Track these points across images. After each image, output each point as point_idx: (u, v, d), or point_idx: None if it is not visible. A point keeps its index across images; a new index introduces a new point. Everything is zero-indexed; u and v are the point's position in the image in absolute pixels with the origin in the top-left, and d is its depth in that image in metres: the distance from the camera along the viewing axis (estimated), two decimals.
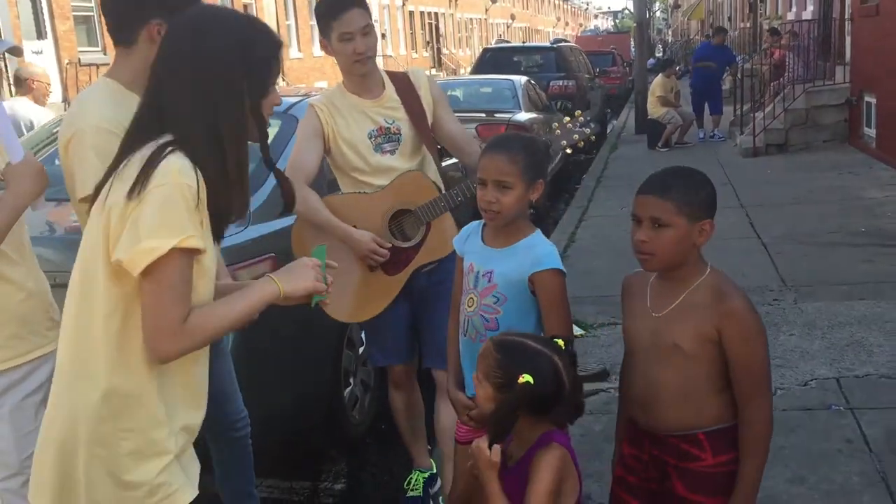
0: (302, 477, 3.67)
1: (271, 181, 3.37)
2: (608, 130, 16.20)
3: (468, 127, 3.15)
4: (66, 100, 15.39)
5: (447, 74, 32.21)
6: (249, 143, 1.73)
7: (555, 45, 16.53)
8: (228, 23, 1.70)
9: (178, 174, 1.58)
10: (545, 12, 69.81)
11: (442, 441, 3.00)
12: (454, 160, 3.80)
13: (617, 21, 64.43)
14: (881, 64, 9.54)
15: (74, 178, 2.24)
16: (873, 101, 10.12)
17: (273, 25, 20.52)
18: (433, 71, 31.88)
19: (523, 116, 8.91)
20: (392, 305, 2.94)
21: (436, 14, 39.98)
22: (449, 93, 9.19)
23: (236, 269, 2.86)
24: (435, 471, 3.35)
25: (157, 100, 1.68)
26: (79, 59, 16.51)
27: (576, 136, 2.90)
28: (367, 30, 2.82)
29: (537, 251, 2.24)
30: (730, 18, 29.93)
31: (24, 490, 2.21)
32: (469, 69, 20.87)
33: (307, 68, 25.23)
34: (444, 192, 2.90)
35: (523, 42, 41.06)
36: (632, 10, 23.95)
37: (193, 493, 1.75)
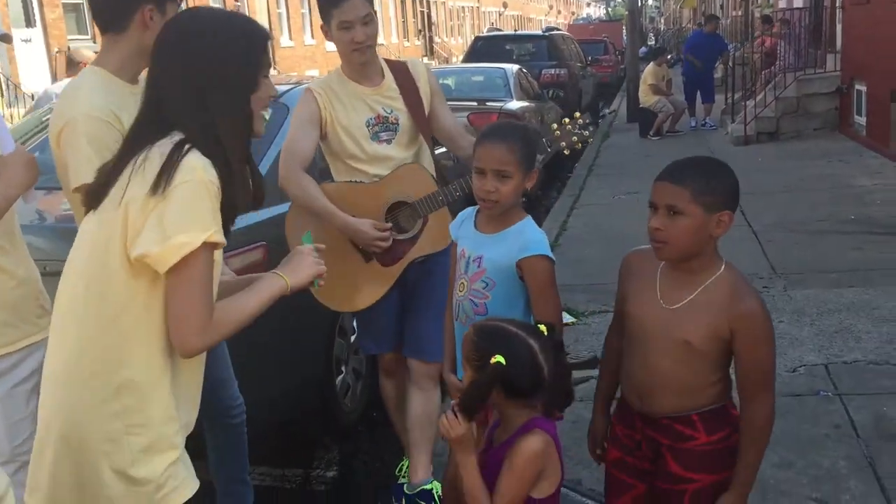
0: (294, 464, 3.68)
1: (263, 168, 3.37)
2: (600, 119, 16.20)
3: (460, 116, 3.15)
4: None
5: (439, 63, 32.12)
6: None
7: (547, 34, 16.47)
8: (216, 22, 1.73)
9: (202, 171, 1.61)
10: (537, 0, 69.63)
11: (412, 428, 3.01)
12: (445, 148, 3.81)
13: (609, 9, 64.30)
14: (872, 52, 9.57)
15: (67, 168, 2.24)
16: (864, 89, 10.15)
17: (264, 14, 20.32)
18: (425, 59, 31.79)
19: (515, 105, 8.90)
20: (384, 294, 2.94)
21: (428, 2, 39.82)
22: (441, 81, 9.10)
23: (228, 257, 2.86)
24: None
25: (161, 100, 1.70)
26: (68, 48, 16.38)
27: (574, 139, 2.89)
28: (368, 19, 2.79)
29: (526, 237, 2.26)
30: (722, 6, 29.90)
31: (17, 477, 2.22)
32: (461, 58, 20.82)
33: (298, 57, 25.12)
34: (440, 184, 2.89)
35: (515, 30, 40.97)
36: None
37: (196, 485, 1.77)
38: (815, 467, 3.16)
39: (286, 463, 3.68)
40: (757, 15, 17.23)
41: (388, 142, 2.90)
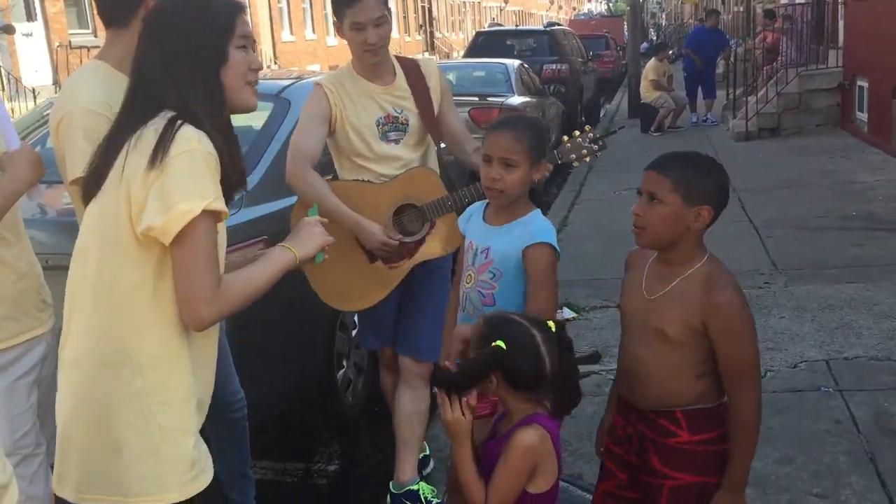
0: (295, 458, 3.69)
1: (264, 164, 3.37)
2: (601, 115, 16.19)
3: (461, 111, 3.13)
4: (56, 82, 15.29)
5: (440, 58, 32.07)
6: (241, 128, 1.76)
7: (548, 29, 16.44)
8: (192, 7, 1.74)
9: (197, 141, 1.62)
10: None
11: (400, 426, 3.01)
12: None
13: (610, 5, 64.22)
14: (874, 48, 9.55)
15: (65, 161, 2.25)
16: (866, 85, 10.13)
17: (265, 8, 20.26)
18: (426, 54, 31.78)
19: (516, 100, 8.89)
20: None
21: None
22: None
23: (229, 251, 2.86)
24: (427, 452, 3.38)
25: (147, 80, 1.72)
26: (69, 42, 16.36)
27: (584, 151, 2.86)
28: (381, 21, 2.75)
29: (533, 227, 2.27)
30: (723, 2, 29.85)
31: (19, 470, 2.23)
32: (462, 53, 20.79)
33: (299, 51, 25.09)
34: (449, 189, 2.87)
35: (516, 25, 40.92)
36: None
37: (212, 474, 1.78)
38: (815, 463, 3.16)
39: (287, 457, 3.69)
40: (759, 10, 17.20)
41: (397, 142, 2.88)
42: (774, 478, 3.08)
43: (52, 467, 1.84)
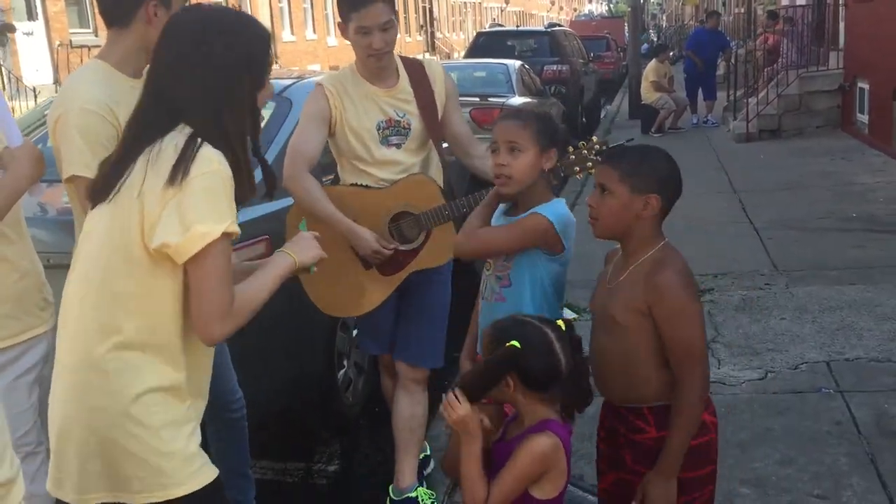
0: (295, 458, 3.69)
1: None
2: (602, 116, 16.18)
3: (462, 111, 3.11)
4: (56, 81, 15.30)
5: (440, 59, 32.09)
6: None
7: (549, 30, 16.45)
8: (230, 21, 1.77)
9: (218, 163, 1.65)
10: None
11: (399, 432, 3.01)
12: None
13: (611, 6, 64.24)
14: (875, 50, 9.56)
15: (61, 159, 2.25)
16: (866, 87, 10.13)
17: (266, 8, 20.30)
18: (426, 55, 31.77)
19: (517, 101, 8.90)
20: None
21: None
22: None
23: (232, 250, 2.86)
24: (428, 452, 3.38)
25: (166, 93, 1.72)
26: (70, 41, 16.37)
27: (589, 164, 2.83)
28: (388, 25, 2.70)
29: (544, 206, 2.28)
30: (724, 3, 29.85)
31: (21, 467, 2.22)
32: (462, 53, 20.79)
33: (300, 51, 25.09)
34: (447, 198, 2.84)
35: (517, 26, 40.89)
36: None
37: (215, 471, 1.79)
38: (816, 464, 3.16)
39: (287, 457, 3.69)
40: (760, 12, 17.20)
41: (398, 146, 2.83)
42: (775, 479, 3.07)
43: None
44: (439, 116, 2.90)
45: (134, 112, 1.77)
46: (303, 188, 2.75)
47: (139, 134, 1.72)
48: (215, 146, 1.67)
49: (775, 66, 12.24)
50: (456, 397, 1.81)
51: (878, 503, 2.91)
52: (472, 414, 1.81)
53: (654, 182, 1.97)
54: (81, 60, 14.86)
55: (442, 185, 2.89)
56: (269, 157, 3.38)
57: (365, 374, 4.01)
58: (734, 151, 10.51)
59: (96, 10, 2.40)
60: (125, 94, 2.30)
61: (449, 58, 33.40)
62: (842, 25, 11.50)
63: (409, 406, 2.99)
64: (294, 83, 3.94)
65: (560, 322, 1.89)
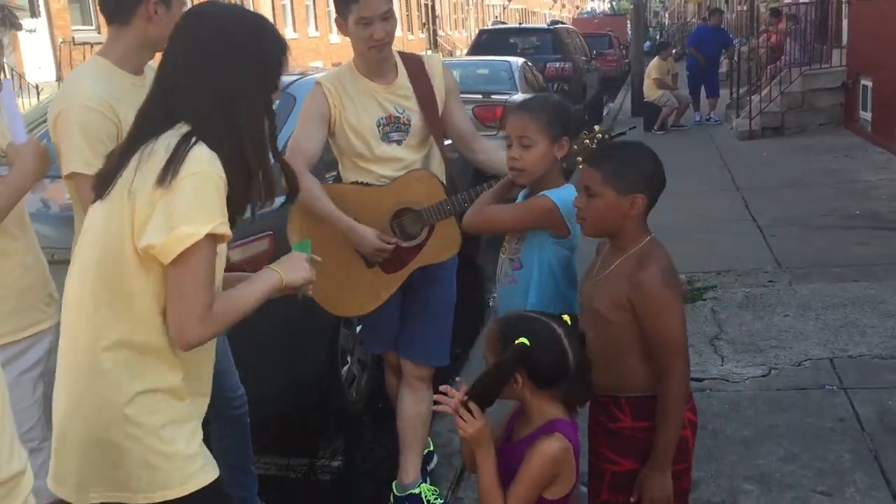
0: (299, 454, 3.70)
1: (269, 159, 3.37)
2: (604, 113, 16.17)
3: (465, 108, 3.11)
4: (59, 79, 15.30)
5: (443, 56, 32.07)
6: None
7: (551, 27, 16.43)
8: (246, 24, 1.75)
9: (208, 164, 1.62)
10: None
11: (402, 429, 3.01)
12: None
13: (614, 3, 64.17)
14: (878, 47, 9.54)
15: (61, 156, 2.26)
16: (869, 84, 10.11)
17: (268, 5, 20.29)
18: (429, 52, 31.74)
19: (520, 98, 8.88)
20: None
21: None
22: None
23: (235, 246, 2.86)
24: (432, 448, 3.38)
25: (174, 91, 1.70)
26: (73, 38, 16.38)
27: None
28: (388, 15, 2.69)
29: (553, 190, 2.33)
30: (727, 1, 29.80)
31: None
32: (465, 51, 20.77)
33: (302, 49, 25.08)
34: (449, 193, 2.84)
35: (520, 24, 40.84)
36: None
37: (217, 471, 1.78)
38: (820, 461, 3.15)
39: (291, 453, 3.70)
40: (762, 9, 17.17)
41: (399, 143, 2.82)
42: (779, 475, 3.07)
43: None
44: (439, 112, 2.89)
45: (141, 108, 1.76)
46: (303, 187, 2.73)
47: (142, 131, 1.71)
48: (220, 149, 1.65)
49: (778, 63, 12.23)
50: (469, 411, 1.79)
51: (882, 499, 2.91)
52: (485, 428, 1.80)
53: (639, 181, 2.00)
54: (84, 57, 14.86)
55: (443, 181, 2.89)
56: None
57: (368, 370, 4.02)
58: (737, 149, 10.50)
59: (105, 10, 2.40)
60: (126, 90, 2.31)
61: (451, 55, 33.36)
62: (845, 23, 11.47)
63: (413, 403, 2.99)
64: (297, 79, 3.94)
65: (566, 317, 1.88)
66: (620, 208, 1.99)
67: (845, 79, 10.97)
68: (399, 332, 3.01)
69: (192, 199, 1.59)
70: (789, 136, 11.01)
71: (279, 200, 3.14)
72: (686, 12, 45.17)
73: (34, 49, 15.63)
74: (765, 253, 5.91)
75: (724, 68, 14.72)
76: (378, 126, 2.79)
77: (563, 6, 72.27)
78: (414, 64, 2.88)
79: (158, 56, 2.47)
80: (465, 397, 1.80)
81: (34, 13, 16.03)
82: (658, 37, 29.65)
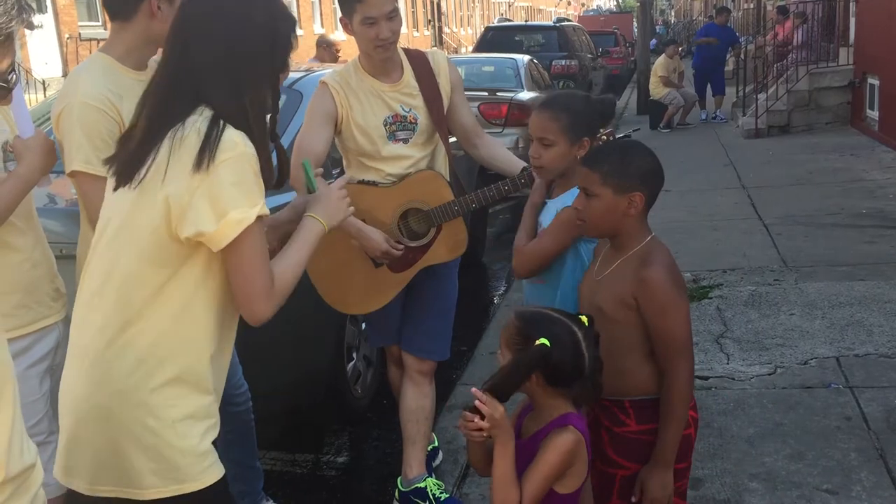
0: (304, 450, 3.70)
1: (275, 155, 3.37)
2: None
3: (471, 105, 3.09)
4: (65, 74, 15.33)
5: (448, 53, 32.04)
6: None
7: (557, 25, 16.43)
8: (258, 6, 1.73)
9: (243, 145, 1.63)
10: None
11: (406, 423, 3.01)
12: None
13: (620, 1, 64.05)
14: (885, 46, 9.50)
15: (63, 153, 2.27)
16: (876, 83, 10.08)
17: None
18: (433, 49, 31.71)
19: (526, 95, 8.87)
20: None
21: None
22: None
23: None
24: (436, 444, 3.38)
25: (186, 72, 1.68)
26: (79, 34, 16.43)
27: None
28: (393, 14, 2.67)
29: (571, 194, 2.31)
30: None
31: None
32: (470, 48, 20.76)
33: (308, 45, 25.00)
34: (456, 194, 2.83)
35: (525, 21, 40.83)
36: None
37: (223, 471, 1.78)
38: (826, 459, 3.15)
39: (296, 448, 3.71)
40: (769, 7, 17.13)
41: (405, 141, 2.81)
42: (785, 473, 3.07)
43: None
44: (445, 109, 2.88)
45: (151, 90, 1.73)
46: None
47: (163, 112, 1.68)
48: (237, 127, 1.65)
49: (785, 61, 12.20)
50: (483, 402, 1.77)
51: (888, 498, 2.90)
52: (504, 415, 1.79)
53: (637, 180, 2.00)
54: (90, 53, 14.87)
55: (449, 179, 2.89)
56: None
57: (374, 366, 4.02)
58: (743, 147, 10.48)
59: (107, 6, 2.40)
60: (128, 87, 2.31)
61: (456, 52, 33.34)
62: (852, 21, 11.44)
63: (416, 398, 3.00)
64: (304, 76, 3.95)
65: (584, 318, 1.88)
66: (619, 207, 1.99)
67: (852, 77, 10.94)
68: (401, 327, 3.02)
69: (234, 183, 1.60)
70: (796, 135, 10.99)
71: (288, 196, 3.16)
72: (692, 10, 45.05)
73: (41, 45, 15.67)
74: (771, 251, 5.89)
75: (730, 66, 14.68)
76: (385, 125, 2.79)
77: (569, 3, 72.15)
78: (419, 61, 2.87)
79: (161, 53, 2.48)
80: (484, 389, 1.79)
81: (41, 9, 16.06)
82: (666, 34, 29.57)
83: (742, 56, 13.22)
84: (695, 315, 4.62)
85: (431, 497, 2.97)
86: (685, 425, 2.02)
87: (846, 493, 2.94)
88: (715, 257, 5.76)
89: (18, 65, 2.12)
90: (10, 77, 2.00)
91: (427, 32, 37.52)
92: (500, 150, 3.03)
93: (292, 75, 3.95)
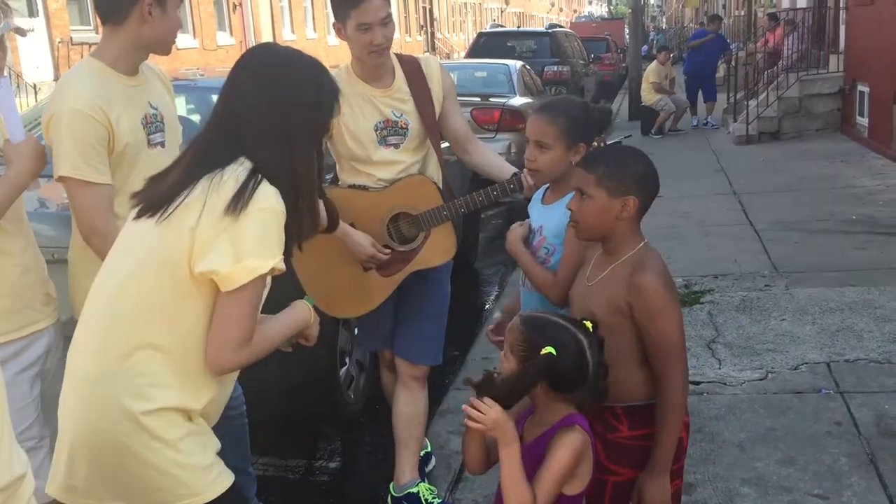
0: (297, 455, 3.70)
1: None
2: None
3: (463, 111, 3.10)
4: (57, 79, 15.28)
5: (440, 59, 32.05)
6: None
7: (549, 31, 16.46)
8: (306, 66, 1.81)
9: (276, 201, 1.68)
10: None
11: (398, 427, 3.01)
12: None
13: (611, 7, 64.28)
14: (875, 53, 9.57)
15: (53, 158, 2.28)
16: (866, 90, 10.15)
17: (267, 7, 20.23)
18: (426, 55, 31.74)
19: (518, 101, 8.88)
20: None
21: None
22: None
23: None
24: (429, 449, 3.38)
25: (240, 126, 1.74)
26: (70, 38, 16.37)
27: None
28: (387, 20, 2.69)
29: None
30: (724, 6, 29.88)
31: None
32: (462, 54, 20.79)
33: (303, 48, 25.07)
34: (446, 199, 2.84)
35: (518, 27, 40.90)
36: None
37: (232, 478, 1.81)
38: (816, 464, 3.16)
39: (289, 454, 3.70)
40: (760, 14, 17.21)
41: (397, 146, 2.82)
42: (776, 478, 3.08)
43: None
44: (437, 115, 2.88)
45: (200, 136, 1.79)
46: None
47: (203, 159, 1.73)
48: (277, 184, 1.70)
49: (775, 68, 12.27)
50: (477, 409, 1.78)
51: (878, 503, 2.91)
52: (506, 416, 1.79)
53: (631, 184, 2.01)
54: (82, 57, 14.83)
55: (440, 185, 2.89)
56: None
57: (366, 371, 4.01)
58: (734, 153, 10.52)
59: (100, 10, 2.40)
60: (119, 92, 2.31)
61: (449, 58, 33.39)
62: (842, 28, 11.51)
63: (408, 403, 3.00)
64: None
65: (588, 323, 1.89)
66: (612, 210, 2.00)
67: (842, 84, 11.00)
68: (394, 332, 3.02)
69: (259, 233, 1.65)
70: (786, 141, 11.05)
71: None
72: (683, 17, 45.27)
73: (32, 49, 15.61)
74: (762, 257, 5.92)
75: (721, 73, 14.75)
76: (376, 130, 2.79)
77: (561, 10, 72.36)
78: (411, 66, 2.87)
79: (152, 57, 2.48)
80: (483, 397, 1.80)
81: (32, 13, 16.01)
82: (655, 41, 29.69)
83: (733, 63, 13.28)
84: (686, 320, 4.63)
85: (424, 502, 2.97)
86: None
87: (837, 497, 2.95)
88: (706, 263, 5.78)
89: (10, 68, 2.12)
90: None
91: (419, 38, 37.56)
92: (491, 156, 3.04)
93: None
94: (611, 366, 1.96)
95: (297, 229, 1.77)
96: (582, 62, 16.22)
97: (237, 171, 1.69)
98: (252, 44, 13.54)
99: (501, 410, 1.77)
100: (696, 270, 5.55)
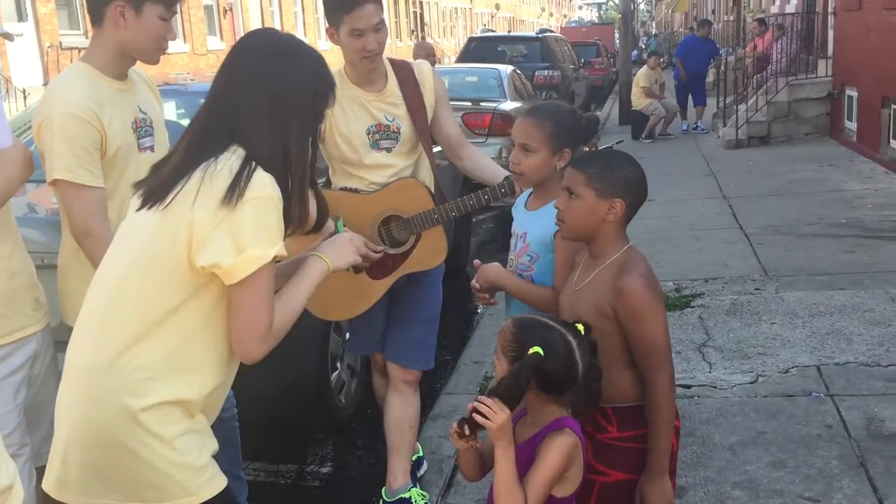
0: (288, 460, 3.69)
1: None
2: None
3: (453, 113, 3.10)
4: (46, 83, 15.23)
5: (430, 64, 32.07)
6: None
7: (540, 36, 16.51)
8: (305, 54, 1.79)
9: (271, 187, 1.67)
10: (530, 2, 69.71)
11: (390, 432, 3.01)
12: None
13: (601, 12, 64.50)
14: (863, 58, 9.63)
15: (45, 162, 2.27)
16: (855, 94, 10.21)
17: (257, 11, 20.30)
18: (418, 60, 31.75)
19: (509, 106, 8.90)
20: None
21: (420, 2, 39.84)
22: None
23: None
24: (421, 454, 3.38)
25: (233, 113, 1.73)
26: (60, 43, 16.32)
27: None
28: (380, 26, 2.70)
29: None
30: (713, 11, 30.02)
31: None
32: (453, 59, 20.81)
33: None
34: (437, 202, 2.84)
35: (508, 32, 41.02)
36: (616, 1, 23.99)
37: (225, 481, 1.80)
38: (807, 467, 3.17)
39: (280, 459, 3.69)
40: (749, 19, 17.31)
41: (389, 150, 2.82)
42: (767, 481, 3.09)
43: (40, 468, 1.83)
44: (429, 119, 2.89)
45: (195, 124, 1.78)
46: None
47: (200, 146, 1.72)
48: (272, 172, 1.69)
49: (765, 73, 12.33)
50: (489, 407, 1.77)
51: None
52: (509, 421, 1.79)
53: (620, 187, 2.01)
54: (71, 62, 14.78)
55: (432, 189, 2.89)
56: None
57: (358, 376, 4.01)
58: (724, 158, 10.57)
59: (86, 12, 2.41)
60: (109, 96, 2.31)
61: (439, 62, 33.43)
62: (831, 33, 11.59)
63: (400, 407, 3.00)
64: None
65: (580, 326, 1.89)
66: (599, 212, 2.00)
67: (831, 89, 11.07)
68: (386, 336, 3.02)
69: (257, 221, 1.64)
70: (775, 146, 11.10)
71: None
72: (673, 22, 45.46)
73: (22, 53, 15.55)
74: (752, 261, 5.94)
75: (710, 78, 14.83)
76: (368, 134, 2.80)
77: (552, 15, 72.58)
78: (404, 71, 2.88)
79: (140, 64, 2.47)
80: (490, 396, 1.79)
81: (21, 17, 15.96)
82: (646, 46, 29.81)
83: (722, 67, 13.35)
84: (677, 324, 4.65)
85: None
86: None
87: (827, 500, 2.96)
88: (696, 267, 5.80)
89: None
90: None
91: (410, 42, 37.60)
92: (484, 160, 3.04)
93: None
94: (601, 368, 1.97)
95: (286, 220, 1.75)
96: (572, 67, 16.28)
97: (231, 161, 1.67)
98: None
99: (508, 414, 1.77)
100: (686, 274, 5.57)
